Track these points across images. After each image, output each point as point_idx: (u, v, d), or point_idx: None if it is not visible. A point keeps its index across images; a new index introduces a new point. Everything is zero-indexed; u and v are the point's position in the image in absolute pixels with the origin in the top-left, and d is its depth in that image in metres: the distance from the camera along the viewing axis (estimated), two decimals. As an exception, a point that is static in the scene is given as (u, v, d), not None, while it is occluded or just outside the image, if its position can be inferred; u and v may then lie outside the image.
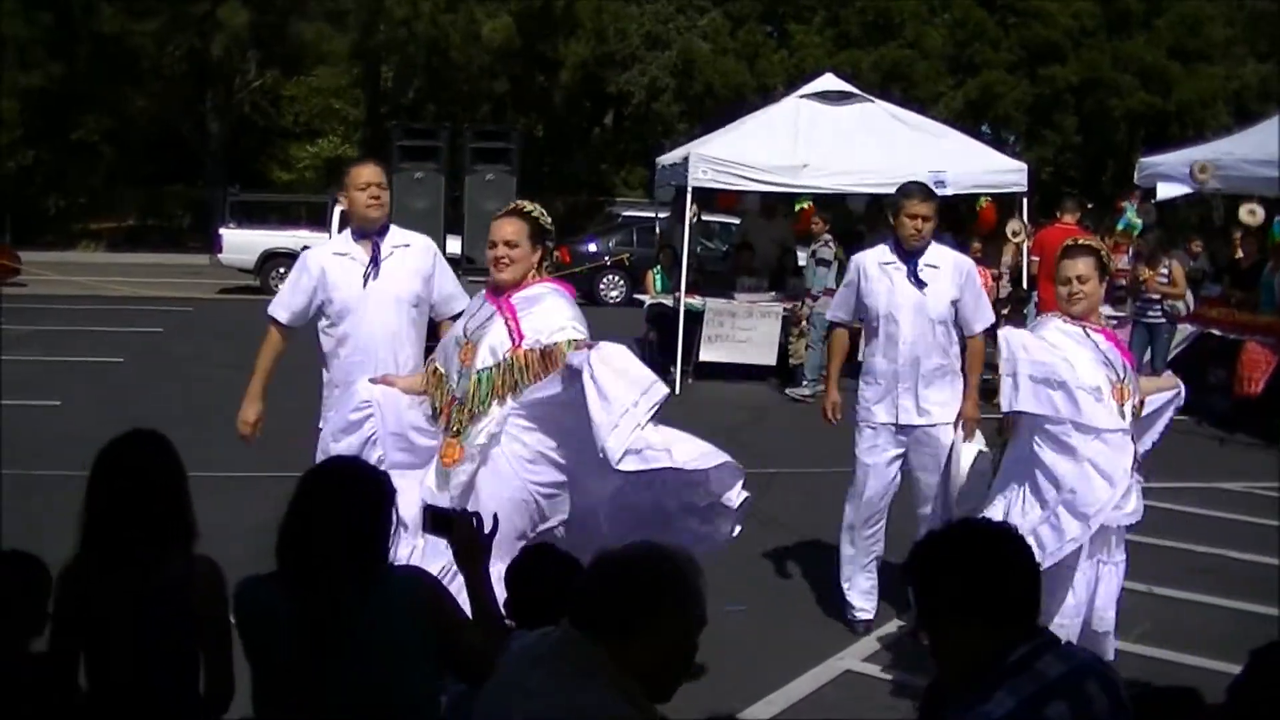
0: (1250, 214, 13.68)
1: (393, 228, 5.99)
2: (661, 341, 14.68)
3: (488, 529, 3.49)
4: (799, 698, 5.56)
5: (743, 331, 14.05)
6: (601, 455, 4.47)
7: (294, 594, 3.12)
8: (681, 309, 13.55)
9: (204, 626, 3.36)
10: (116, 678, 3.31)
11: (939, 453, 6.13)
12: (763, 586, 6.87)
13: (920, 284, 6.13)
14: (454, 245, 14.92)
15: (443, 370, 5.03)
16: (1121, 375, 5.23)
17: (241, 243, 23.68)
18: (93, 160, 37.12)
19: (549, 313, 4.91)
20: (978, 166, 14.00)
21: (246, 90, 35.54)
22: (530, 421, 4.76)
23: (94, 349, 15.01)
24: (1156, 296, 12.69)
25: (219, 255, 24.01)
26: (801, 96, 15.24)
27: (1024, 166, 14.46)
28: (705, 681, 5.41)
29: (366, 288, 5.69)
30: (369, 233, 5.84)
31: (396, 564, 3.54)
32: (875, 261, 6.27)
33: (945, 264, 6.21)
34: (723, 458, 4.69)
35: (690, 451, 4.64)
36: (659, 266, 15.74)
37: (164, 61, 32.61)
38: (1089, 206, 19.20)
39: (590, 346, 4.66)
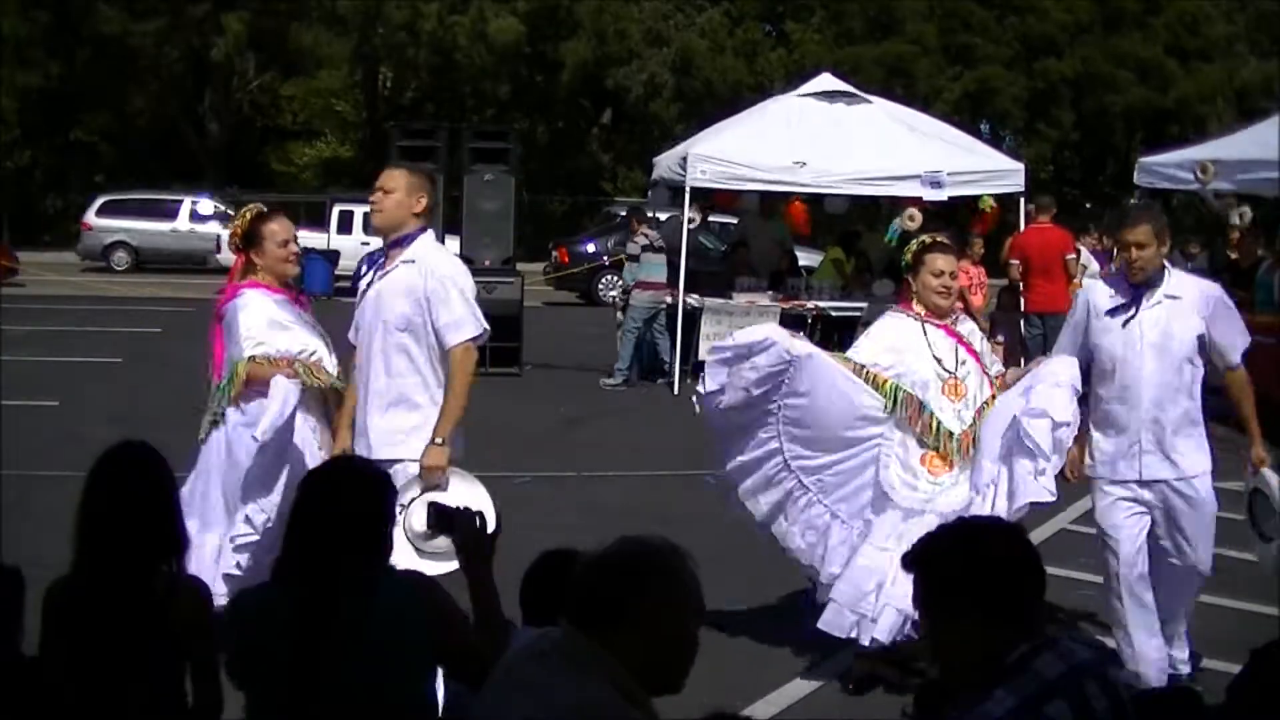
0: (1240, 217, 13.71)
1: (421, 240, 5.14)
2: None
3: (490, 528, 3.48)
4: (799, 698, 5.55)
5: (740, 330, 14.02)
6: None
7: (294, 594, 3.12)
8: (680, 308, 13.54)
9: (189, 644, 3.34)
10: (104, 691, 3.28)
11: (1194, 508, 5.43)
12: (763, 586, 6.86)
13: (1155, 320, 5.39)
14: (452, 245, 14.95)
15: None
16: (955, 371, 5.50)
17: (240, 243, 23.63)
18: (91, 160, 37.11)
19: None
20: (975, 166, 14.00)
21: (245, 90, 35.52)
22: None
23: (93, 349, 15.01)
24: None
25: (217, 255, 24.03)
26: (800, 96, 15.26)
27: (1021, 166, 14.46)
28: (705, 681, 5.40)
29: (362, 301, 5.24)
30: (385, 239, 5.26)
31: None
32: (1105, 295, 5.51)
33: (1188, 293, 5.45)
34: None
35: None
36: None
37: (163, 61, 32.59)
38: (1088, 206, 19.20)
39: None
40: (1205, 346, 5.47)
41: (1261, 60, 34.08)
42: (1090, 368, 5.52)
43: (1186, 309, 5.39)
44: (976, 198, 14.15)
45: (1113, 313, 5.40)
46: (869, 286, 14.55)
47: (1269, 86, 32.15)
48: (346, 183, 33.93)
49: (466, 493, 4.76)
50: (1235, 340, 5.55)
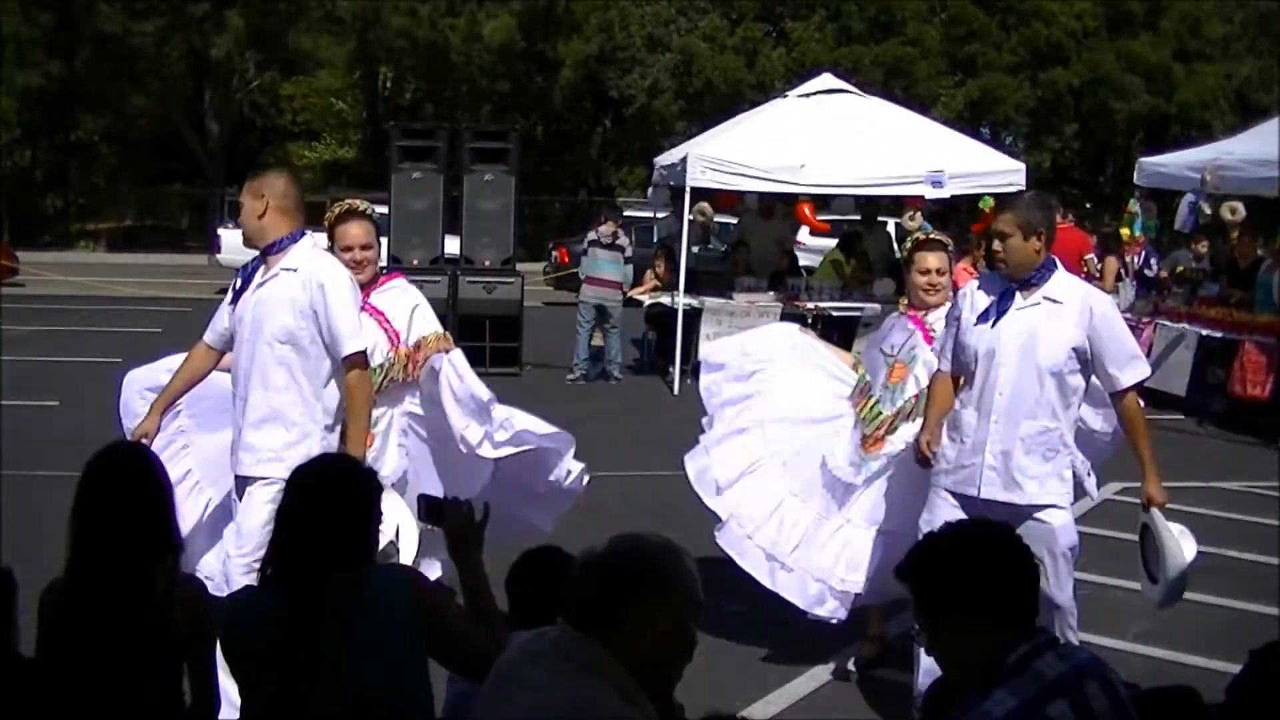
0: (1231, 211, 13.73)
1: (299, 247, 4.83)
2: (660, 341, 14.70)
3: (479, 516, 3.48)
4: (799, 698, 5.56)
5: (740, 330, 14.02)
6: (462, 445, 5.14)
7: (282, 594, 3.12)
8: (680, 309, 13.55)
9: (187, 644, 3.34)
10: (102, 691, 3.27)
11: (1042, 541, 4.63)
12: (762, 587, 6.86)
13: (1025, 322, 4.86)
14: (453, 245, 14.95)
15: None
16: (898, 354, 5.74)
17: (240, 243, 23.55)
18: (92, 160, 37.11)
19: (408, 302, 5.38)
20: (976, 166, 14.00)
21: (245, 90, 35.52)
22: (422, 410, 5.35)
23: (93, 349, 14.99)
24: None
25: (217, 255, 23.98)
26: (800, 95, 15.28)
27: (1022, 166, 14.46)
28: (705, 681, 5.41)
29: (237, 310, 4.95)
30: (256, 246, 4.96)
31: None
32: (984, 290, 5.01)
33: (1071, 300, 4.85)
34: (555, 430, 5.30)
35: (537, 425, 5.28)
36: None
37: (163, 61, 32.58)
38: (1088, 206, 19.20)
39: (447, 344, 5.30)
40: (1088, 364, 4.87)
41: (1259, 59, 34.11)
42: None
43: (1065, 317, 4.81)
44: (977, 197, 14.15)
45: (985, 309, 4.92)
46: (869, 287, 14.56)
47: (1267, 85, 32.19)
48: (346, 182, 33.94)
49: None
50: (1125, 362, 4.84)
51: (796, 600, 5.71)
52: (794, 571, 5.70)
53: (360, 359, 4.73)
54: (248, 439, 4.78)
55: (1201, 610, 6.80)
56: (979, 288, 5.02)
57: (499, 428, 5.16)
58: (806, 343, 6.23)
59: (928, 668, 4.92)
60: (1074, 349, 4.80)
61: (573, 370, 14.03)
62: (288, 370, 4.74)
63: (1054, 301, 4.83)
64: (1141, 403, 5.04)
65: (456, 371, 5.20)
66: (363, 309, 5.20)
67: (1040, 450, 4.84)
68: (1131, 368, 4.86)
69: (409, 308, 5.34)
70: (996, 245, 4.91)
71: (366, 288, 5.29)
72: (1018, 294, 4.86)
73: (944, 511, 4.85)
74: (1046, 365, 4.79)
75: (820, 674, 5.79)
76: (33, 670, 3.34)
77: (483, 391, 5.17)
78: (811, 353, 6.14)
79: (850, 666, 5.85)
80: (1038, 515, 4.80)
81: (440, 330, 5.40)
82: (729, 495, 5.77)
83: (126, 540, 3.30)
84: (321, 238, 5.09)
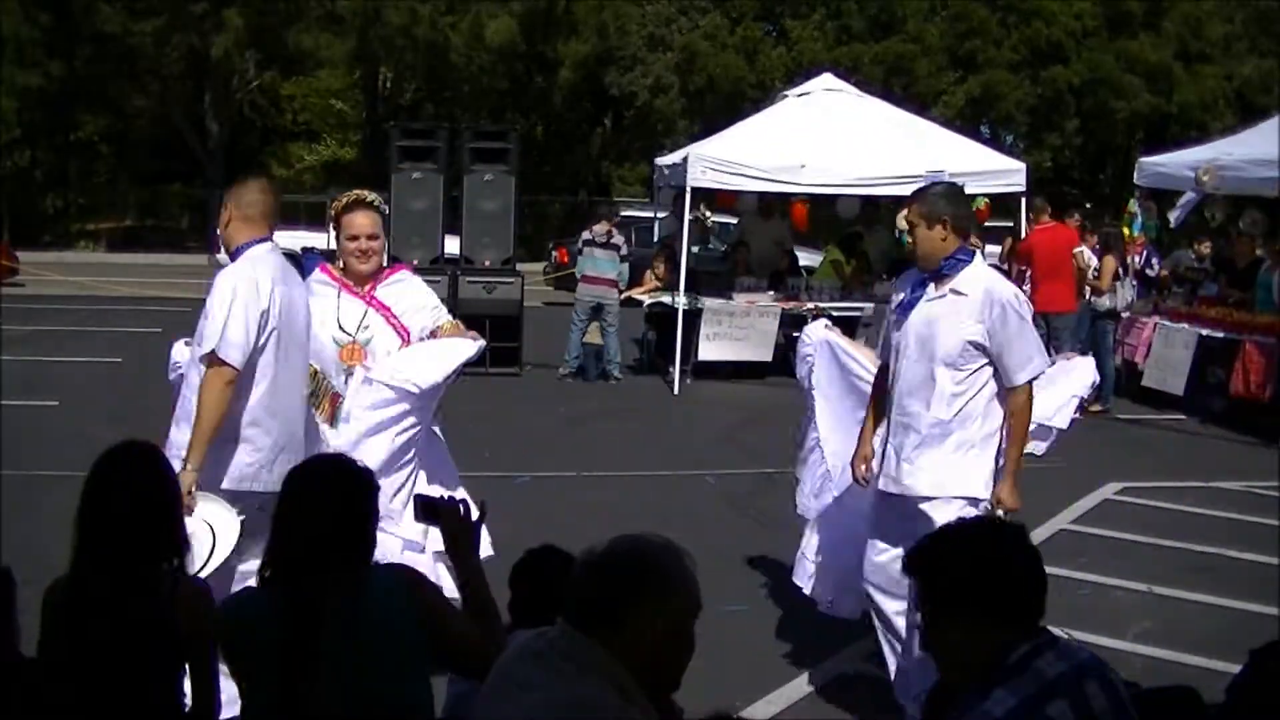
0: (1252, 224, 13.78)
1: (247, 255, 4.84)
2: (660, 341, 14.70)
3: (475, 516, 3.48)
4: (799, 698, 5.55)
5: (740, 330, 14.07)
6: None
7: (282, 594, 3.11)
8: (680, 309, 13.55)
9: (188, 644, 3.32)
10: (103, 691, 3.26)
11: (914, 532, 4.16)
12: (763, 586, 6.87)
13: (927, 314, 4.86)
14: (453, 245, 14.95)
15: (315, 365, 5.11)
16: None
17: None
18: (92, 160, 37.12)
19: (415, 295, 5.40)
20: (976, 166, 14.01)
21: (245, 90, 35.53)
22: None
23: (93, 349, 15.00)
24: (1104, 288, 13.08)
25: (217, 255, 23.98)
26: (800, 95, 15.30)
27: (1022, 166, 14.49)
28: (705, 681, 5.40)
29: None
30: (228, 253, 4.99)
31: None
32: (906, 282, 5.05)
33: (974, 293, 4.80)
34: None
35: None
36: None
37: (163, 61, 32.60)
38: (1088, 205, 19.23)
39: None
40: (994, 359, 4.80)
41: (1260, 59, 34.11)
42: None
43: (965, 309, 4.77)
44: (974, 197, 14.18)
45: (902, 301, 4.95)
46: (869, 287, 14.57)
47: (1267, 85, 32.19)
48: (347, 180, 33.93)
49: (210, 513, 4.42)
50: (1021, 357, 4.78)
51: (816, 595, 5.77)
52: (815, 568, 5.76)
53: (213, 359, 4.55)
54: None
55: (1201, 610, 6.80)
56: (903, 278, 5.09)
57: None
58: (838, 344, 5.98)
59: (901, 667, 5.02)
60: (970, 343, 4.76)
61: (562, 367, 14.03)
62: (199, 372, 4.71)
63: (958, 294, 4.81)
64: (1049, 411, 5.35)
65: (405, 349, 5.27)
66: (368, 303, 5.30)
67: (937, 443, 4.80)
68: (1027, 366, 4.80)
69: (417, 305, 5.37)
70: (908, 238, 4.94)
71: (372, 279, 5.36)
72: (930, 285, 4.87)
73: (882, 509, 5.02)
74: (940, 356, 4.78)
75: (820, 674, 5.79)
76: (33, 670, 3.33)
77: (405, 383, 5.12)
78: (846, 358, 5.93)
79: (851, 667, 5.85)
80: (923, 507, 4.75)
81: (452, 319, 5.49)
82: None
83: (131, 540, 3.29)
84: (292, 233, 5.20)
